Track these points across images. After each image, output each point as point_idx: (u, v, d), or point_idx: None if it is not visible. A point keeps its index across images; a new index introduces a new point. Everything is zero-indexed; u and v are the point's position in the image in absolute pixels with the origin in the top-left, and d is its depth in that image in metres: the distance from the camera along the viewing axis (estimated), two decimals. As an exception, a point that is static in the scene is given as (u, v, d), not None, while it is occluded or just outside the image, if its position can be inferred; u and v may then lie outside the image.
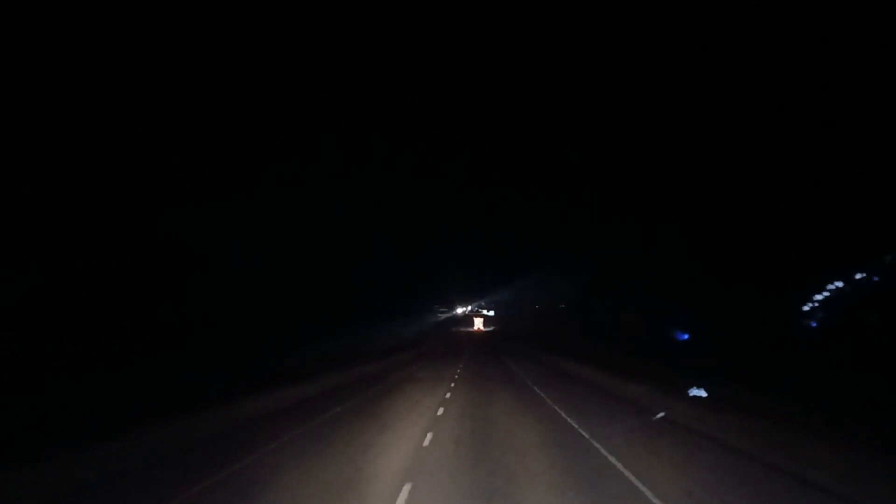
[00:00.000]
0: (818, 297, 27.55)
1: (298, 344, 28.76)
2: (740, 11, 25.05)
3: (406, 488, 6.98)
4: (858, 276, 25.98)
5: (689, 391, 13.07)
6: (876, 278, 24.98)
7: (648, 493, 6.68)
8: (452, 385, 18.99)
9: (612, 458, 8.33)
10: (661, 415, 11.74)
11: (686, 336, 28.99)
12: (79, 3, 15.77)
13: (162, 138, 20.16)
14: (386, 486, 7.13)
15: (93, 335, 16.60)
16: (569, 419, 11.86)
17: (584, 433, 10.29)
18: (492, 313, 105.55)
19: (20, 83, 14.38)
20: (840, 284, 26.77)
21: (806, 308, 27.71)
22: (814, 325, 26.50)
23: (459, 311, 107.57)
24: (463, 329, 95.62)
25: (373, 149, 44.60)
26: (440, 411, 13.14)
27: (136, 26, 17.59)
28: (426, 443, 9.64)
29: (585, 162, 49.87)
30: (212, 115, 23.83)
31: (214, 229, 22.64)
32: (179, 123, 21.64)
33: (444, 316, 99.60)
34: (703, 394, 12.82)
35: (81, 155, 17.13)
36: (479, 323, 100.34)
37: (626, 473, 7.52)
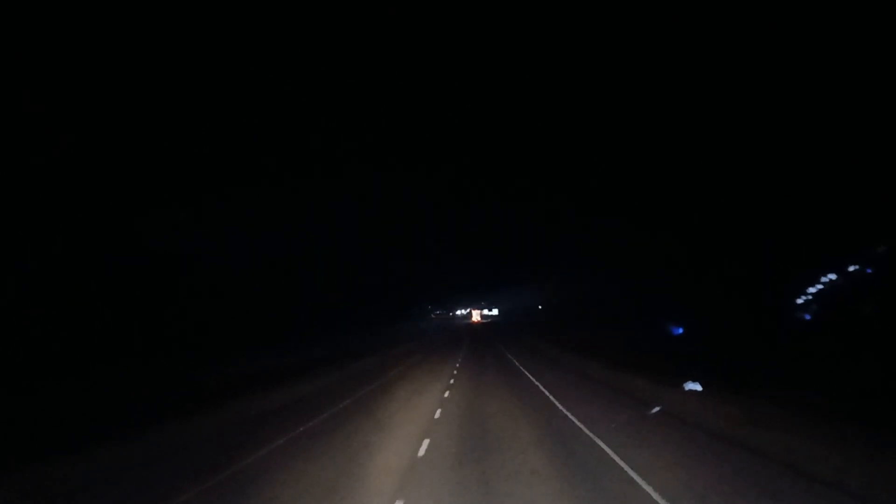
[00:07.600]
0: (812, 289, 27.72)
1: (299, 344, 28.86)
2: (730, 8, 25.12)
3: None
4: (852, 268, 26.13)
5: (684, 385, 13.14)
6: (869, 270, 25.13)
7: (647, 487, 6.74)
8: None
9: (611, 453, 8.39)
10: (657, 409, 11.81)
11: (681, 330, 29.11)
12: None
13: (153, 140, 20.07)
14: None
15: (82, 337, 16.56)
16: (550, 395, 11.93)
17: (582, 426, 10.36)
18: (495, 312, 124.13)
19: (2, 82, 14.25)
20: (833, 277, 26.93)
21: (800, 301, 27.89)
22: (808, 317, 26.66)
23: (459, 312, 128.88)
24: (464, 322, 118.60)
25: (370, 154, 44.51)
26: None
27: (119, 24, 17.43)
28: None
29: (585, 161, 49.99)
30: (206, 115, 23.70)
31: (205, 231, 22.58)
32: (172, 123, 21.52)
33: (438, 320, 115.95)
34: (699, 388, 12.88)
35: (72, 155, 17.03)
36: (476, 315, 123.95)
37: (625, 466, 7.59)
